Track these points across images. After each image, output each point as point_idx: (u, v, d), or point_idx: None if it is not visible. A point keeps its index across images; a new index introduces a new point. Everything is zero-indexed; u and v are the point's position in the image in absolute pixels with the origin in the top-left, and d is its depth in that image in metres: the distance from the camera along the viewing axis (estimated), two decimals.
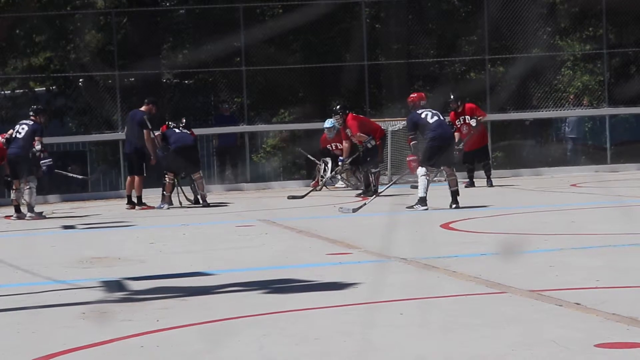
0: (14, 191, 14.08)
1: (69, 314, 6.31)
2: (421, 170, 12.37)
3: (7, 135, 14.11)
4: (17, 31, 21.87)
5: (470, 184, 16.96)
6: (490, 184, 17.00)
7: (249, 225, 11.82)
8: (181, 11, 23.25)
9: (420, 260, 7.95)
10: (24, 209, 14.03)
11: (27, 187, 13.86)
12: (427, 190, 12.24)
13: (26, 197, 13.90)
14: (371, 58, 20.78)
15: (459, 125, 16.84)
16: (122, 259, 9.11)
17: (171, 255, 9.40)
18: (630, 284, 6.65)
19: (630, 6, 21.25)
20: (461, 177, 18.10)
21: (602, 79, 21.40)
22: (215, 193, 18.60)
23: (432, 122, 12.52)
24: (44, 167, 14.09)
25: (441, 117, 12.75)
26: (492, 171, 17.69)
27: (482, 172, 17.58)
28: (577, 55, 23.01)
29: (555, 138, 23.16)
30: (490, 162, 17.69)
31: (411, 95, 14.51)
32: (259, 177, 20.91)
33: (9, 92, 23.02)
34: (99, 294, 7.17)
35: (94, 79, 21.16)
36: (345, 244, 9.36)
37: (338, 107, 16.30)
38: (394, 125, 19.11)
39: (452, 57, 21.82)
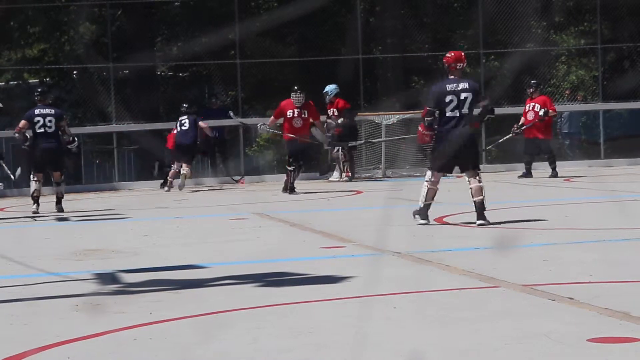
0: (35, 182, 13.63)
1: (62, 306, 6.30)
2: (427, 174, 10.23)
3: (22, 129, 13.75)
4: (12, 22, 21.82)
5: (527, 174, 17.12)
6: (555, 174, 17.05)
7: (242, 218, 11.82)
8: (176, 3, 23.21)
9: (414, 254, 7.95)
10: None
11: (62, 180, 13.73)
12: (428, 197, 10.04)
13: (62, 189, 13.75)
14: (366, 52, 20.78)
15: (527, 110, 17.11)
16: (116, 251, 9.10)
17: (165, 248, 9.40)
18: (623, 278, 6.66)
19: (624, 1, 21.25)
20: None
21: (596, 74, 21.41)
22: (208, 186, 18.60)
23: (448, 112, 10.03)
24: (75, 149, 14.45)
25: (464, 107, 10.03)
26: (487, 165, 17.74)
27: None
28: (572, 50, 23.01)
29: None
30: (554, 153, 17.70)
31: (447, 55, 10.72)
32: (253, 170, 20.89)
33: (3, 83, 22.99)
34: (93, 286, 7.17)
35: (88, 70, 21.14)
36: (339, 238, 9.36)
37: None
38: (388, 119, 19.11)
39: (447, 51, 21.79)
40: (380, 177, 18.71)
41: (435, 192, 10.09)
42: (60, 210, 13.65)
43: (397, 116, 19.22)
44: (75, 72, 22.02)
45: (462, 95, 10.05)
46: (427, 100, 10.43)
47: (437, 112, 10.10)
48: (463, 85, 10.13)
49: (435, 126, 10.17)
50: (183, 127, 17.94)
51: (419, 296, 6.31)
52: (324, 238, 9.50)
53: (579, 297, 5.81)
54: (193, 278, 7.31)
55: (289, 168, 15.44)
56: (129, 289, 6.96)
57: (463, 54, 10.67)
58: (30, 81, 23.04)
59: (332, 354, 4.82)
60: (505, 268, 7.17)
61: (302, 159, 15.75)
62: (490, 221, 9.86)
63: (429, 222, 10.03)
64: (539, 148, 17.33)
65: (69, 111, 22.05)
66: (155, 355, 4.93)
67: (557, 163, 19.92)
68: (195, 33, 21.34)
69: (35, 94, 14.19)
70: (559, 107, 21.16)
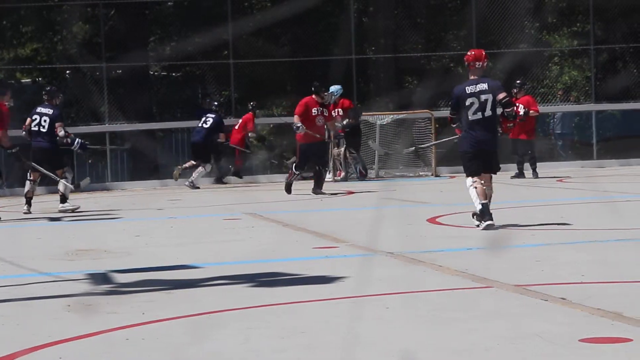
0: (30, 182, 13.50)
1: (55, 306, 6.29)
2: (468, 181, 9.69)
3: (26, 127, 13.63)
4: (4, 22, 21.79)
5: (519, 175, 17.16)
6: (535, 175, 17.18)
7: (235, 218, 11.81)
8: (169, 3, 23.21)
9: (406, 254, 7.96)
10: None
11: (63, 178, 13.59)
12: (481, 198, 9.48)
13: (61, 187, 13.55)
14: (359, 52, 20.79)
15: None
16: (108, 251, 9.09)
17: (157, 248, 9.39)
18: (615, 279, 6.67)
19: (617, 2, 21.30)
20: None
21: (589, 75, 21.45)
22: (202, 186, 18.58)
23: (470, 116, 9.59)
24: (78, 150, 14.42)
25: (487, 109, 9.56)
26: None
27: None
28: (565, 51, 23.05)
29: (541, 133, 23.21)
30: (535, 154, 17.72)
31: (468, 53, 10.02)
32: (246, 170, 20.88)
33: None
34: (85, 287, 7.16)
35: (81, 70, 21.11)
36: (331, 238, 9.36)
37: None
38: (382, 119, 19.12)
39: (440, 51, 21.85)
40: (374, 178, 18.71)
41: (484, 189, 9.54)
42: (70, 209, 13.49)
43: (391, 116, 19.24)
44: (68, 71, 21.99)
45: (483, 97, 9.55)
46: (451, 106, 9.95)
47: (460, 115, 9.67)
48: (482, 86, 9.60)
49: (455, 125, 9.88)
50: (204, 125, 18.46)
51: (411, 296, 6.31)
52: (317, 238, 9.50)
53: (571, 298, 5.82)
54: (186, 278, 7.31)
55: (295, 171, 15.14)
56: (121, 289, 6.95)
57: (484, 52, 9.95)
58: (23, 81, 23.01)
59: (324, 354, 4.82)
60: (498, 268, 7.18)
61: (321, 161, 15.09)
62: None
63: (494, 221, 9.38)
64: (523, 148, 17.37)
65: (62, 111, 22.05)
66: (147, 355, 4.93)
67: (550, 163, 20.03)
68: (188, 33, 21.33)
69: (43, 92, 14.22)
70: (552, 108, 21.23)
